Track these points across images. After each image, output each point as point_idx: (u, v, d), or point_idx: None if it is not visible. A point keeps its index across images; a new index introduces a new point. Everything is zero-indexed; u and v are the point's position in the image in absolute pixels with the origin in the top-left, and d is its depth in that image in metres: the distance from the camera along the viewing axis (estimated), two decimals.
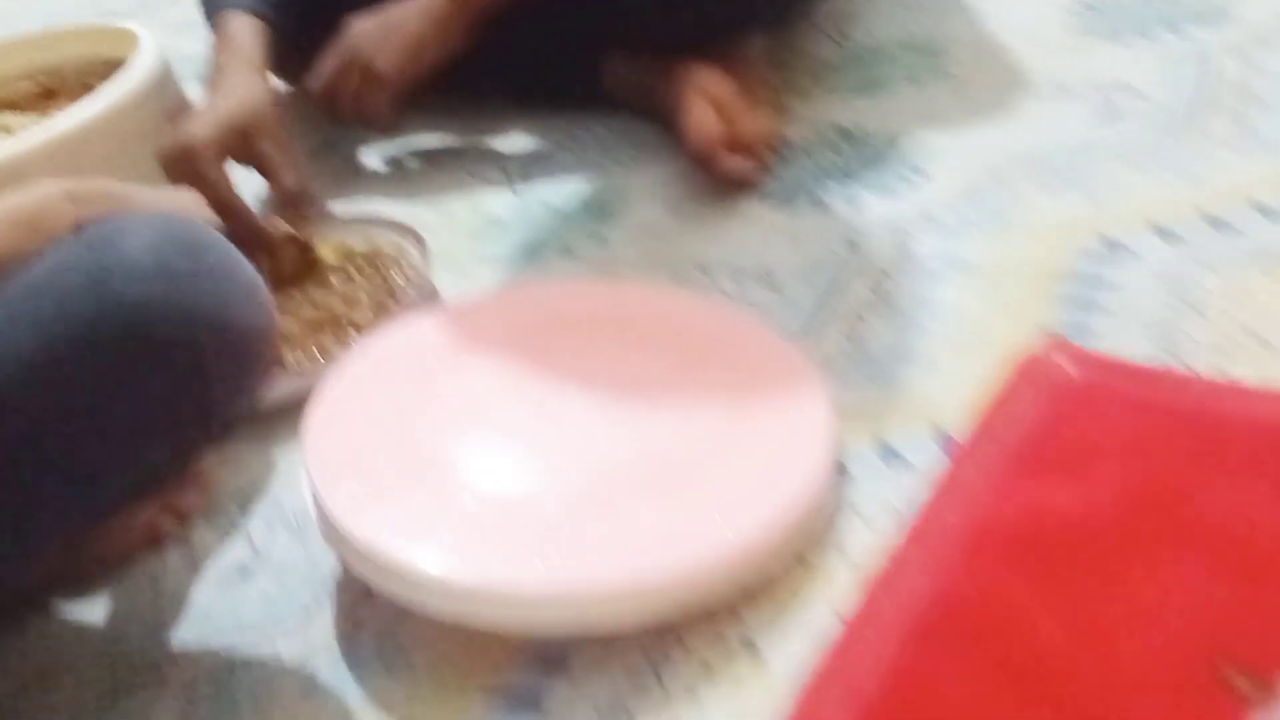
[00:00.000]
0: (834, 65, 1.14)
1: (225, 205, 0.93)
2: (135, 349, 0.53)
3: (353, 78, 1.04)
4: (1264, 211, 0.82)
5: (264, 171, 1.00)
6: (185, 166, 0.94)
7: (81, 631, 0.71)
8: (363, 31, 1.04)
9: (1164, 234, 0.82)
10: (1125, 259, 0.81)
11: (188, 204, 0.65)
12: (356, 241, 0.98)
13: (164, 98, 1.07)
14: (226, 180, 0.96)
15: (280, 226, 0.95)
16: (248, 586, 0.71)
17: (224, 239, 0.59)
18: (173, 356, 0.54)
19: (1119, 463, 0.64)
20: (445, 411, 0.73)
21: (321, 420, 0.71)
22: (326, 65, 1.05)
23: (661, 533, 0.63)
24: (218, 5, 1.07)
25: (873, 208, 0.93)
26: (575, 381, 0.75)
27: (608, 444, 0.70)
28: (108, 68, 1.12)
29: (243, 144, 0.97)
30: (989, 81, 1.06)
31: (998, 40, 1.12)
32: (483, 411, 0.74)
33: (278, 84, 1.17)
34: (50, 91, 1.21)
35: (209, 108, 0.99)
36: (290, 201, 1.00)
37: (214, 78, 1.02)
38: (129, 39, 1.09)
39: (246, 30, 1.04)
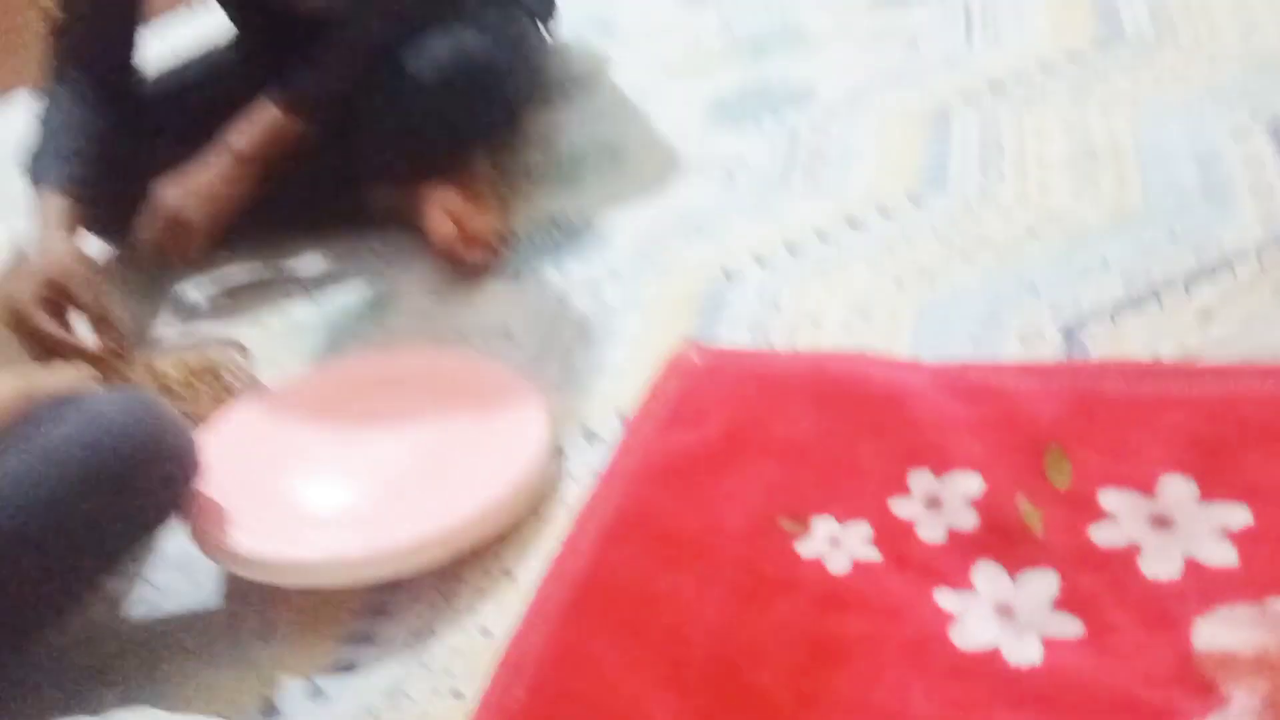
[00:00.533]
0: (542, 168, 1.51)
1: (68, 349, 1.20)
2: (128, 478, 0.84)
3: (167, 230, 1.33)
4: (821, 236, 1.22)
5: (88, 318, 1.24)
6: (20, 323, 1.20)
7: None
8: (170, 192, 1.34)
9: (759, 261, 1.21)
10: (736, 282, 1.19)
11: (82, 378, 0.96)
12: (192, 358, 1.27)
13: None
14: (61, 328, 1.21)
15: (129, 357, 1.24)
16: (156, 609, 1.01)
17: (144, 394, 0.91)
18: (152, 480, 0.86)
19: (723, 412, 1.00)
20: (280, 455, 1.05)
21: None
22: (143, 222, 1.34)
23: (441, 504, 0.97)
24: (36, 179, 1.33)
25: (576, 272, 1.30)
26: (367, 420, 1.08)
27: (396, 457, 1.04)
28: None
29: (62, 296, 1.22)
30: (652, 168, 1.45)
31: (658, 137, 1.51)
32: (305, 451, 1.06)
33: (97, 244, 1.45)
34: None
35: (26, 270, 1.24)
36: (111, 340, 1.24)
37: (34, 245, 1.28)
38: None
39: (55, 203, 1.30)
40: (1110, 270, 1.05)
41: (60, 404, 0.88)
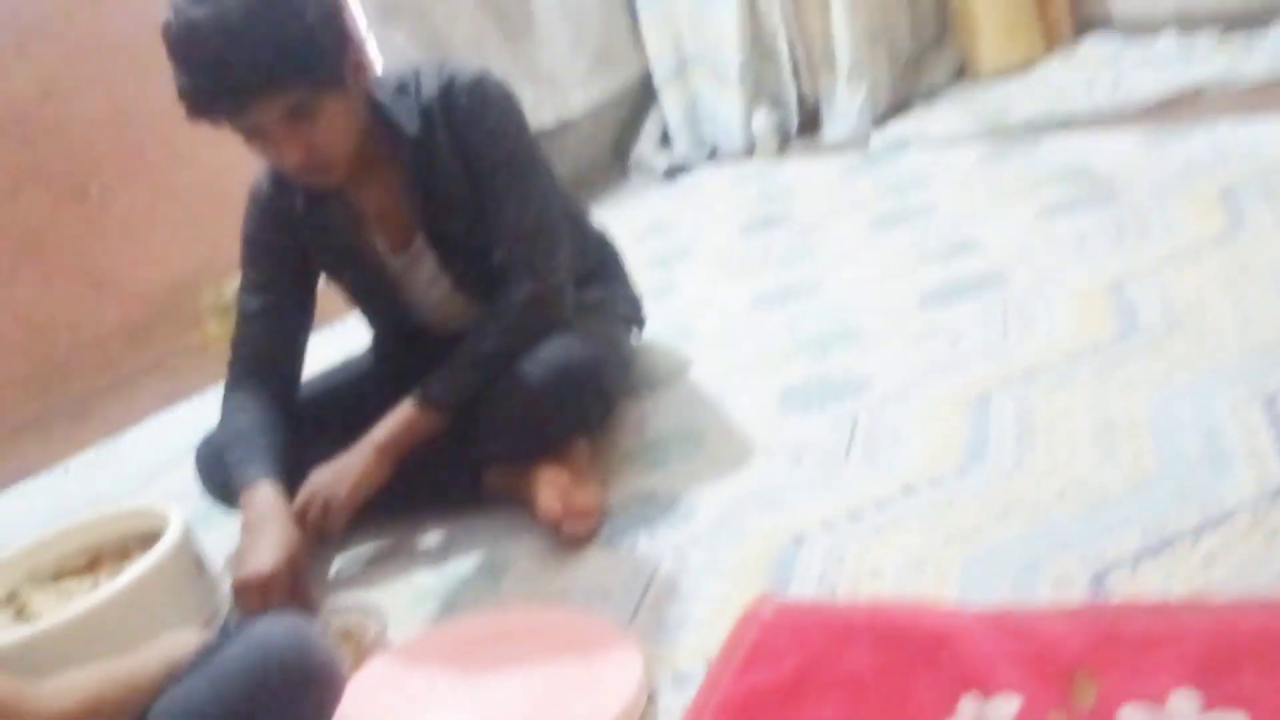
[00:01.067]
0: (635, 451, 1.74)
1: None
2: (288, 695, 1.03)
3: (317, 507, 1.56)
4: (879, 504, 1.40)
5: (298, 596, 1.45)
6: (258, 593, 1.40)
7: None
8: (323, 477, 1.57)
9: (826, 526, 1.39)
10: (805, 546, 1.37)
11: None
12: (335, 623, 1.46)
13: (186, 563, 1.55)
14: (297, 600, 1.43)
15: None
16: None
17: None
18: (304, 697, 1.04)
19: (793, 654, 1.16)
20: (407, 708, 1.22)
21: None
22: (299, 500, 1.57)
23: None
24: (244, 481, 1.57)
25: (664, 539, 1.48)
26: (483, 672, 1.25)
27: (510, 704, 1.19)
28: (145, 539, 1.61)
29: (291, 575, 1.44)
30: (729, 451, 1.66)
31: (734, 424, 1.74)
32: (430, 702, 1.22)
33: None
34: (94, 562, 1.67)
35: (266, 548, 1.45)
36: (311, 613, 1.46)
37: (252, 530, 1.49)
38: (163, 517, 1.60)
39: (270, 492, 1.54)
40: (1129, 526, 1.21)
41: (224, 629, 1.08)
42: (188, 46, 1.38)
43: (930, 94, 3.34)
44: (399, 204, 1.65)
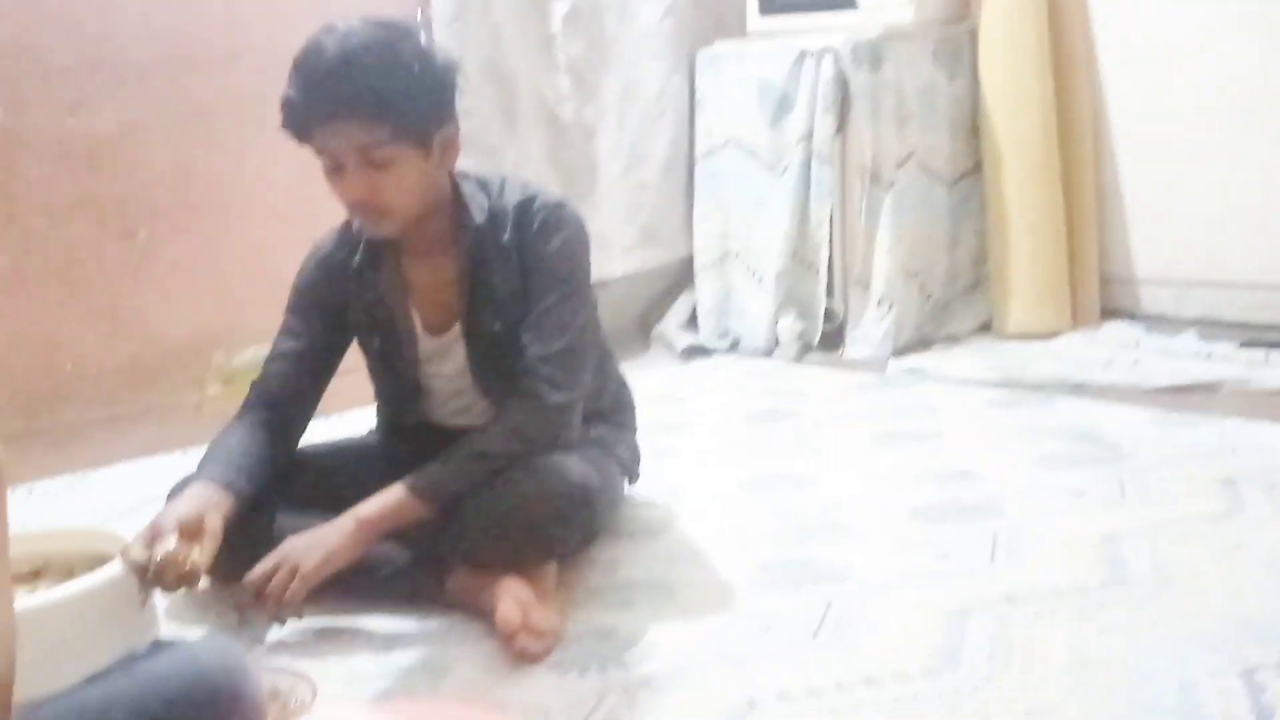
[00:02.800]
0: (603, 589, 1.70)
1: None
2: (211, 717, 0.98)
3: (285, 573, 1.51)
4: (840, 687, 1.37)
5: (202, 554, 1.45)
6: (157, 538, 1.43)
7: None
8: (297, 544, 1.54)
9: (781, 696, 1.35)
10: (758, 712, 1.33)
11: None
12: (266, 682, 1.40)
13: (130, 591, 1.49)
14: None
15: None
16: None
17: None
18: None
19: None
20: None
21: None
22: (268, 561, 1.53)
23: None
24: (198, 472, 1.57)
25: (615, 678, 1.44)
26: None
27: None
28: (94, 561, 1.56)
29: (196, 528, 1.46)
30: (698, 607, 1.63)
31: (708, 585, 1.71)
32: None
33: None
34: (37, 572, 1.62)
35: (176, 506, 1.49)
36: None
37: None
38: (118, 542, 1.55)
39: (209, 490, 1.53)
40: None
41: (161, 644, 1.03)
42: (305, 59, 1.50)
43: (952, 339, 3.43)
44: (447, 288, 1.69)
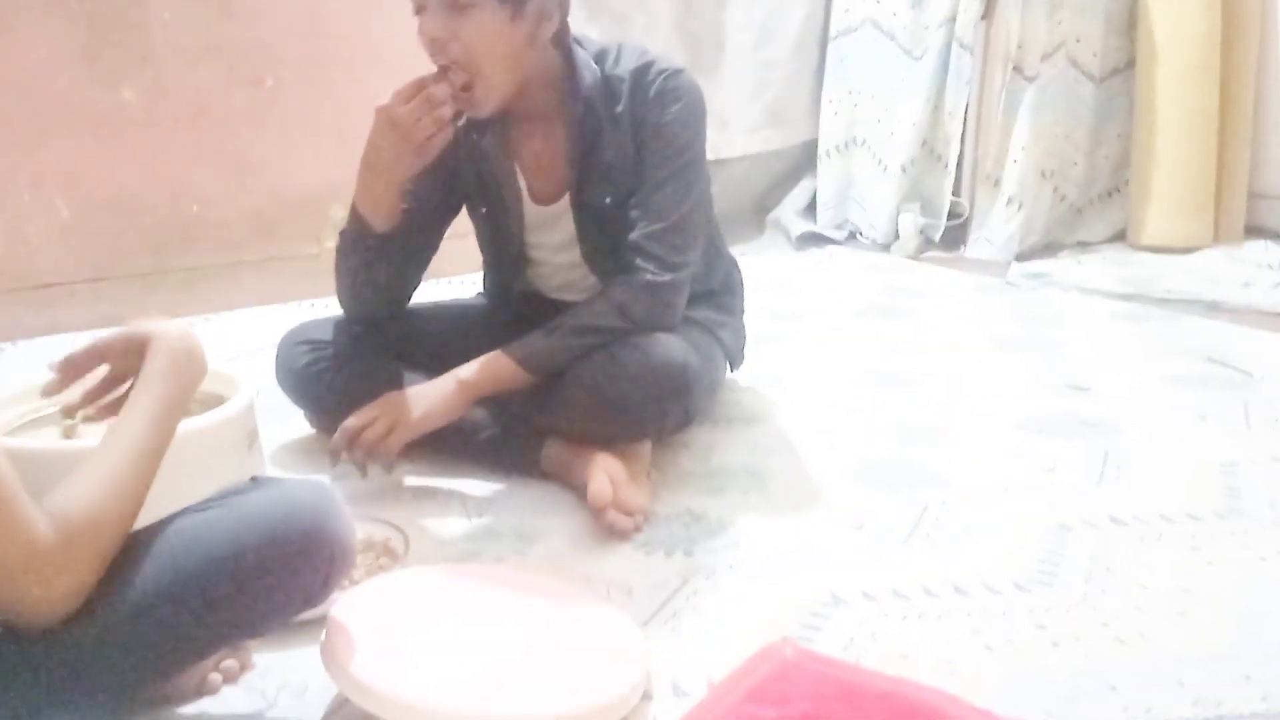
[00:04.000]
0: (695, 474, 1.70)
1: None
2: (301, 550, 1.00)
3: (382, 423, 1.55)
4: (928, 593, 1.34)
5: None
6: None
7: None
8: (396, 397, 1.57)
9: (867, 596, 1.34)
10: (842, 608, 1.31)
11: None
12: (360, 531, 1.44)
13: (241, 432, 1.53)
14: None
15: None
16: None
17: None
18: (315, 557, 1.01)
19: (803, 700, 1.10)
20: (409, 622, 1.19)
21: (341, 617, 1.16)
22: (367, 411, 1.55)
23: (535, 699, 1.08)
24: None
25: (701, 559, 1.44)
26: (492, 616, 1.22)
27: (507, 651, 1.16)
28: (207, 401, 1.62)
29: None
30: (791, 498, 1.62)
31: (802, 476, 1.70)
32: (432, 624, 1.19)
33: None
34: None
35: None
36: None
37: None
38: (232, 384, 1.60)
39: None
40: (1183, 690, 1.14)
41: (258, 480, 1.06)
42: None
43: (1082, 246, 3.28)
44: (557, 158, 1.66)
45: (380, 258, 1.64)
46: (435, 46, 1.51)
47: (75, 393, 1.15)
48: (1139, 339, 2.39)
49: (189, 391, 1.06)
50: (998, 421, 1.91)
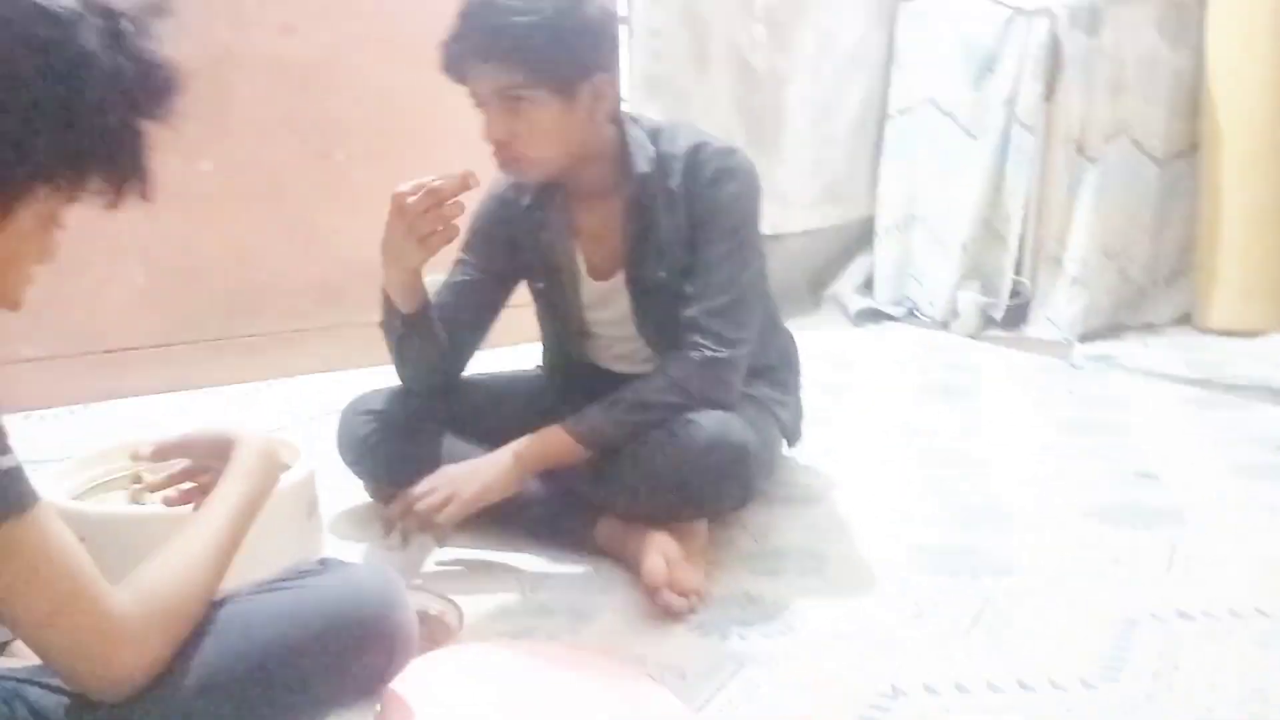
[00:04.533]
0: (752, 554, 1.68)
1: None
2: (364, 639, 1.01)
3: (439, 496, 1.55)
4: (991, 687, 1.31)
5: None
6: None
7: None
8: (454, 470, 1.58)
9: (928, 689, 1.31)
10: (902, 701, 1.29)
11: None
12: (416, 602, 1.44)
13: (302, 501, 1.56)
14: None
15: None
16: None
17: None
18: (377, 646, 1.02)
19: None
20: (462, 697, 1.19)
21: (397, 690, 1.16)
22: (426, 483, 1.56)
23: None
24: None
25: (757, 645, 1.42)
26: (544, 692, 1.21)
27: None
28: None
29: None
30: (848, 581, 1.60)
31: (861, 559, 1.67)
32: (482, 700, 1.19)
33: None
34: None
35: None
36: None
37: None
38: (294, 451, 1.63)
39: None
40: None
41: (323, 561, 1.07)
42: (462, 3, 1.54)
43: (1148, 328, 3.23)
44: (613, 233, 1.69)
45: (412, 334, 1.67)
46: (494, 145, 1.57)
47: (160, 474, 1.23)
48: (1207, 426, 2.34)
49: (267, 493, 1.10)
50: (1062, 508, 1.88)
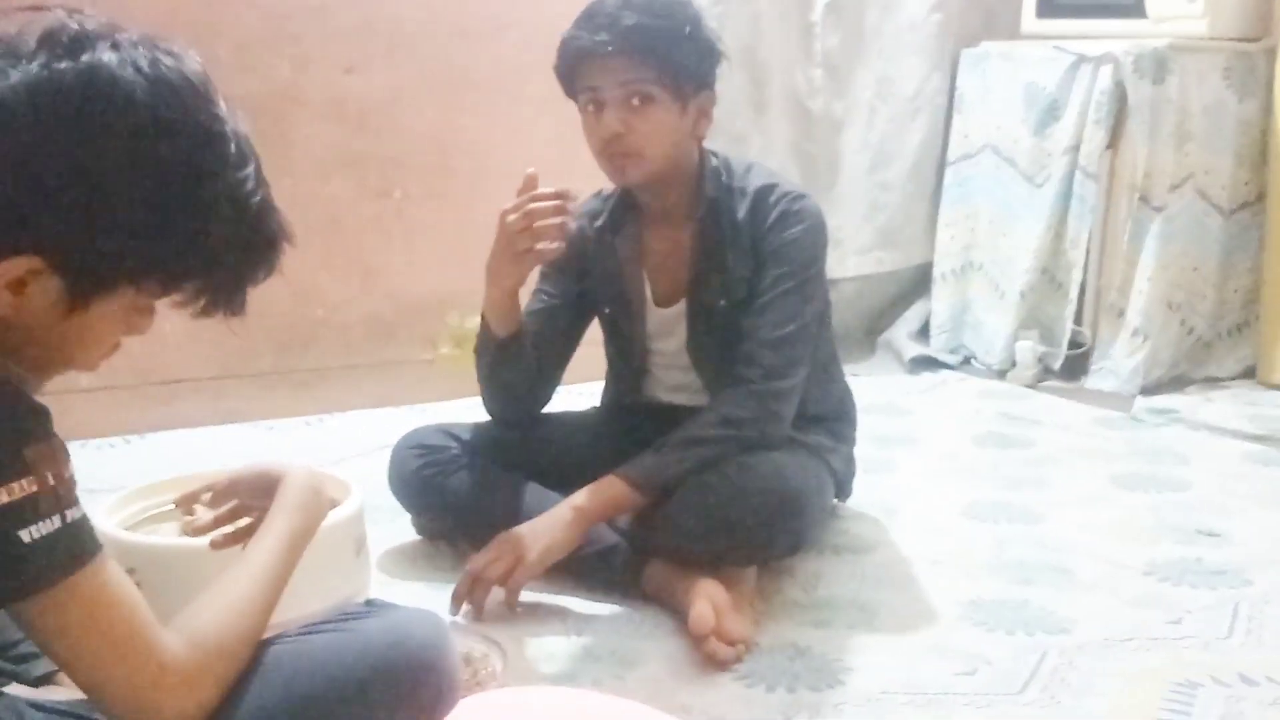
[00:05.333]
0: (800, 604, 1.65)
1: None
2: (410, 684, 1.00)
3: (503, 564, 1.53)
4: None
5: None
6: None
7: None
8: (519, 533, 1.56)
9: None
10: None
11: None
12: (460, 645, 1.43)
13: (350, 538, 1.56)
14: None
15: None
16: None
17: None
18: (423, 692, 1.00)
19: None
20: None
21: None
22: (486, 552, 1.55)
23: None
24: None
25: (803, 697, 1.39)
26: None
27: None
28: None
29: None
30: (899, 635, 1.56)
31: (912, 612, 1.64)
32: None
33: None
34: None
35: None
36: None
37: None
38: (344, 488, 1.63)
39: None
40: None
41: (370, 602, 1.06)
42: (590, 5, 1.59)
43: (1211, 382, 3.16)
44: (681, 261, 1.71)
45: (504, 360, 1.68)
46: (608, 140, 1.59)
47: (206, 516, 1.25)
48: (1271, 483, 2.27)
49: (314, 529, 1.11)
50: (1122, 565, 1.82)
